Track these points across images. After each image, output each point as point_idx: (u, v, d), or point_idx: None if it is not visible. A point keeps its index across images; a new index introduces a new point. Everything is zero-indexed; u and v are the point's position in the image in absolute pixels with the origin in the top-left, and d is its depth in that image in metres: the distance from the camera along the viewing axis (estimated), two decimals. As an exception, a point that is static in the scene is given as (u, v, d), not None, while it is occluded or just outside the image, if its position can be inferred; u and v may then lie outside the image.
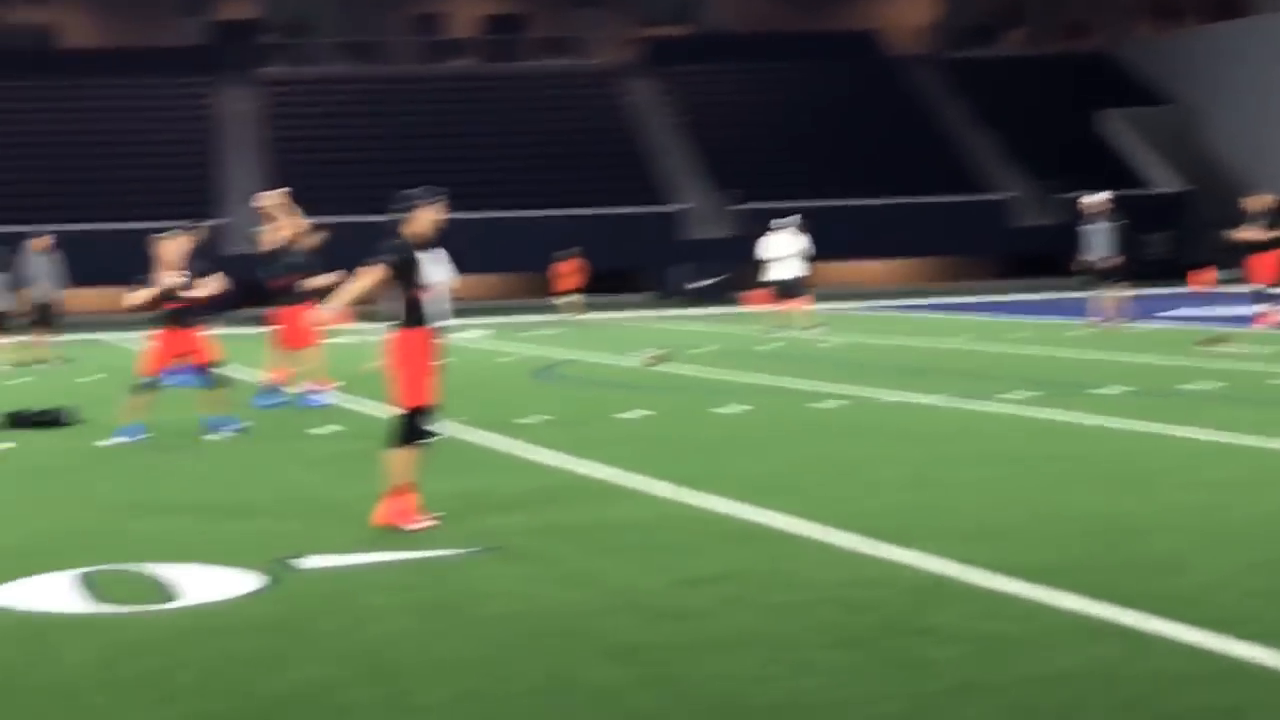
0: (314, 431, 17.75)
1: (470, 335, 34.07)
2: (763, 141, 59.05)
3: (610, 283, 53.80)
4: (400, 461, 11.55)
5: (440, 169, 55.43)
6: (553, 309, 43.42)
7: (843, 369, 23.89)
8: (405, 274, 11.56)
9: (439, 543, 10.79)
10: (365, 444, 16.57)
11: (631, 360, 26.39)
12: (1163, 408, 17.55)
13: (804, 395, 20.10)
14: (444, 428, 16.72)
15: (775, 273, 34.11)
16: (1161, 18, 66.11)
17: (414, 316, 11.58)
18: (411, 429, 11.59)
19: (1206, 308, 37.30)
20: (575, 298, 43.26)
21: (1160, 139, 58.74)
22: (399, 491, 11.51)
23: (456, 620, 8.63)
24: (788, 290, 33.86)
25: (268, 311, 21.73)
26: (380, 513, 11.49)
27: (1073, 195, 55.21)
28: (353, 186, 54.39)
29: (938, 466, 13.70)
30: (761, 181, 56.24)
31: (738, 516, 11.56)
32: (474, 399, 20.60)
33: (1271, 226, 30.07)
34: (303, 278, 20.99)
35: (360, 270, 11.63)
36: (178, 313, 17.87)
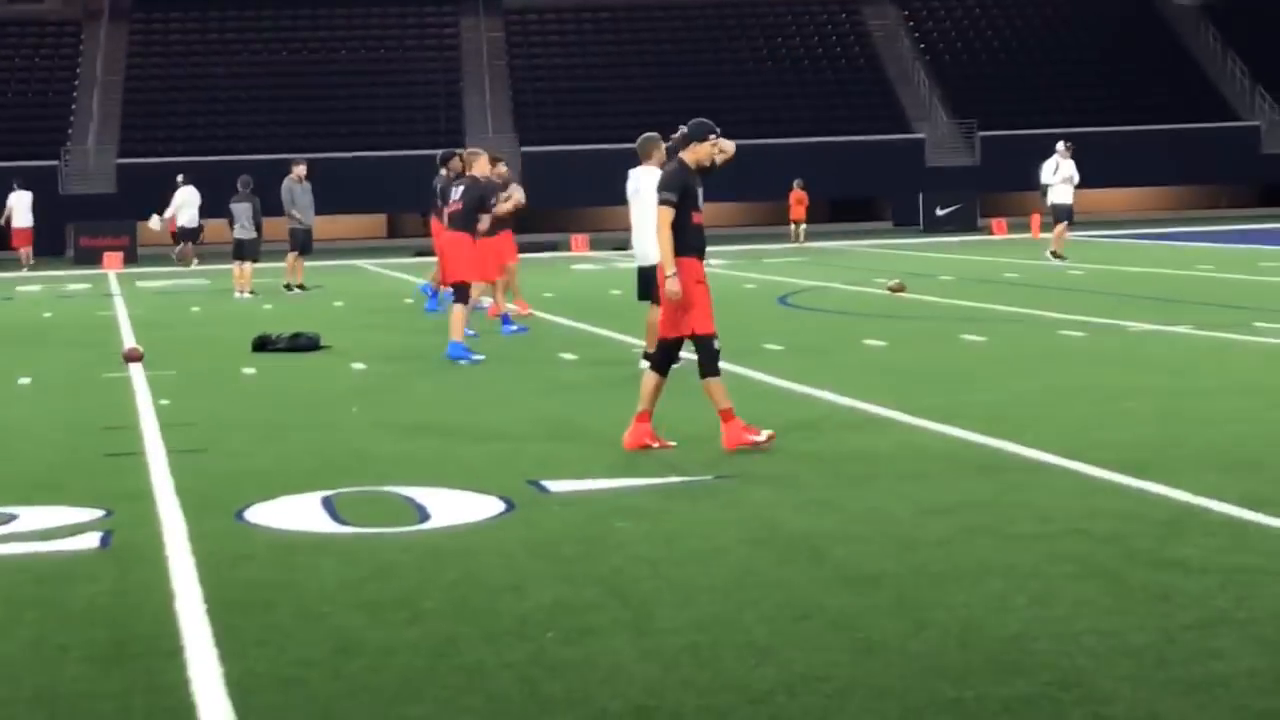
0: (559, 356, 17.93)
1: (714, 264, 34.15)
2: (1005, 68, 58.23)
3: (853, 210, 53.53)
4: (716, 389, 11.61)
5: (681, 97, 55.50)
6: (786, 237, 43.31)
7: (1089, 298, 23.55)
8: (684, 203, 11.65)
9: (682, 469, 10.86)
10: (607, 370, 16.75)
11: (874, 288, 26.25)
12: None
13: (1049, 324, 19.86)
14: (686, 354, 16.86)
15: (1053, 197, 33.89)
16: None
17: (691, 244, 11.64)
18: (711, 354, 11.64)
19: None
20: (799, 227, 43.15)
21: None
22: (727, 417, 11.57)
23: (699, 545, 8.69)
24: (1062, 214, 33.62)
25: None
26: (728, 438, 11.55)
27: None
28: (595, 115, 54.67)
29: (1186, 398, 13.47)
30: (1004, 109, 55.49)
31: (980, 445, 11.49)
32: (721, 326, 20.62)
33: None
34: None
35: (659, 219, 11.59)
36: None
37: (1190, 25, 60.50)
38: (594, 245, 44.41)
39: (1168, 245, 37.70)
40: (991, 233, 46.71)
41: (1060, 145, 34.10)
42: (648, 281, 16.74)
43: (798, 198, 43.73)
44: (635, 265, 16.95)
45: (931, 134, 55.40)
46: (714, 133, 11.88)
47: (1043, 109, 55.22)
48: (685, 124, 12.01)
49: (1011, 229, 46.19)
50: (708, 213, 12.32)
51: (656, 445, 11.64)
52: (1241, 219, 47.76)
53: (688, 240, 11.64)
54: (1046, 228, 44.80)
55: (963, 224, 49.18)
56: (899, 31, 60.66)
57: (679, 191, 11.62)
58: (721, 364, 11.71)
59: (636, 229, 16.74)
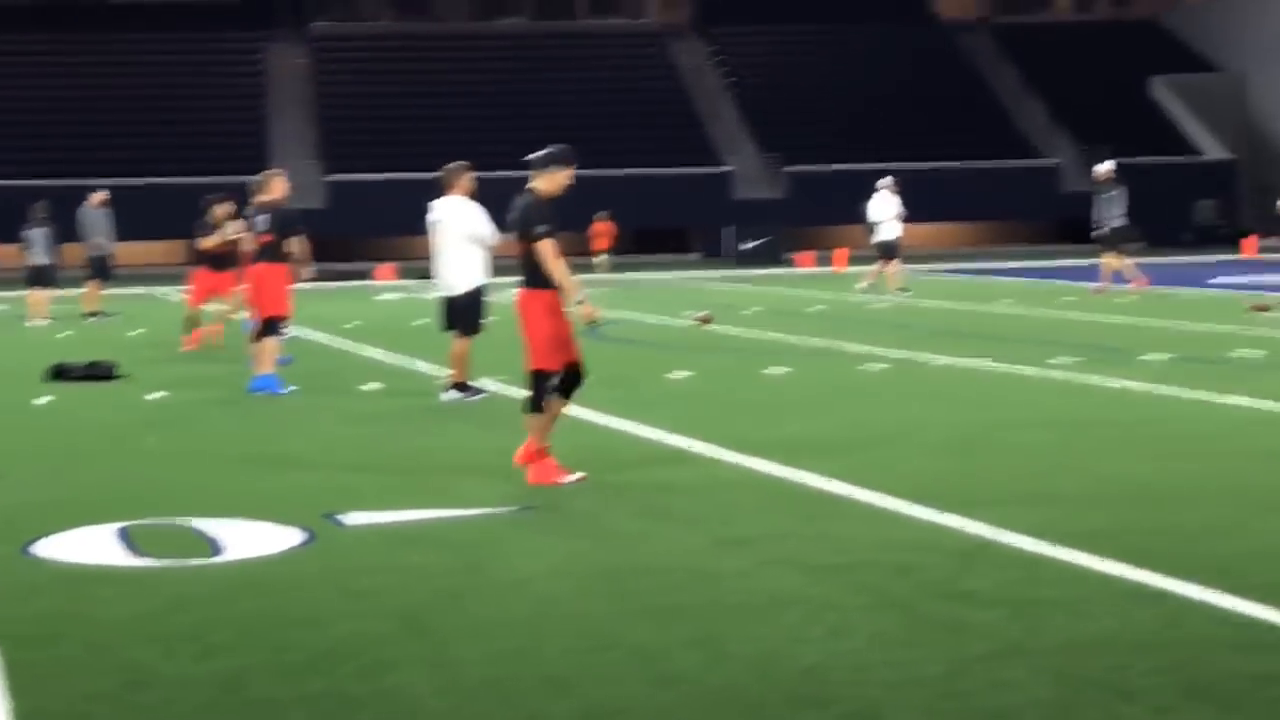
0: (360, 388, 17.79)
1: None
2: (811, 104, 58.87)
3: (661, 242, 53.80)
4: (534, 424, 11.52)
5: (488, 128, 55.49)
6: (589, 269, 43.39)
7: (890, 331, 23.83)
8: (553, 233, 11.55)
9: (482, 501, 10.81)
10: (410, 401, 16.65)
11: (679, 320, 26.37)
12: (1210, 374, 17.45)
13: (851, 357, 20.07)
14: (490, 386, 16.81)
15: (881, 234, 33.89)
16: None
17: (541, 276, 11.53)
18: (543, 391, 11.56)
19: (1255, 274, 37.10)
20: (604, 258, 43.29)
21: (1209, 106, 58.37)
22: (541, 455, 11.49)
23: (499, 577, 8.65)
24: (890, 250, 33.71)
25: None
26: (535, 474, 11.46)
27: (1125, 161, 55.20)
28: (402, 144, 54.47)
29: (983, 431, 13.67)
30: (809, 144, 56.09)
31: (781, 478, 11.56)
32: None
33: None
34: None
35: (546, 252, 11.44)
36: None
37: (992, 64, 61.56)
38: (400, 274, 44.17)
39: (969, 280, 38.29)
40: (796, 266, 47.15)
41: (887, 181, 34.30)
42: (452, 312, 16.69)
43: (601, 229, 43.90)
44: (440, 295, 16.88)
45: (739, 167, 55.83)
46: (575, 162, 11.77)
47: (848, 144, 55.89)
48: (545, 150, 11.83)
49: (817, 263, 46.66)
50: (511, 245, 12.25)
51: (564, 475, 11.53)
52: (1041, 255, 48.62)
53: (546, 272, 11.52)
54: (855, 261, 45.34)
55: (769, 257, 49.61)
56: (707, 66, 61.10)
57: (549, 221, 11.54)
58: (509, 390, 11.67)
59: (440, 259, 16.69)
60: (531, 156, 11.81)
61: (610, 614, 7.87)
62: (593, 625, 7.66)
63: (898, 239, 33.73)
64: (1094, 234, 32.14)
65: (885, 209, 33.81)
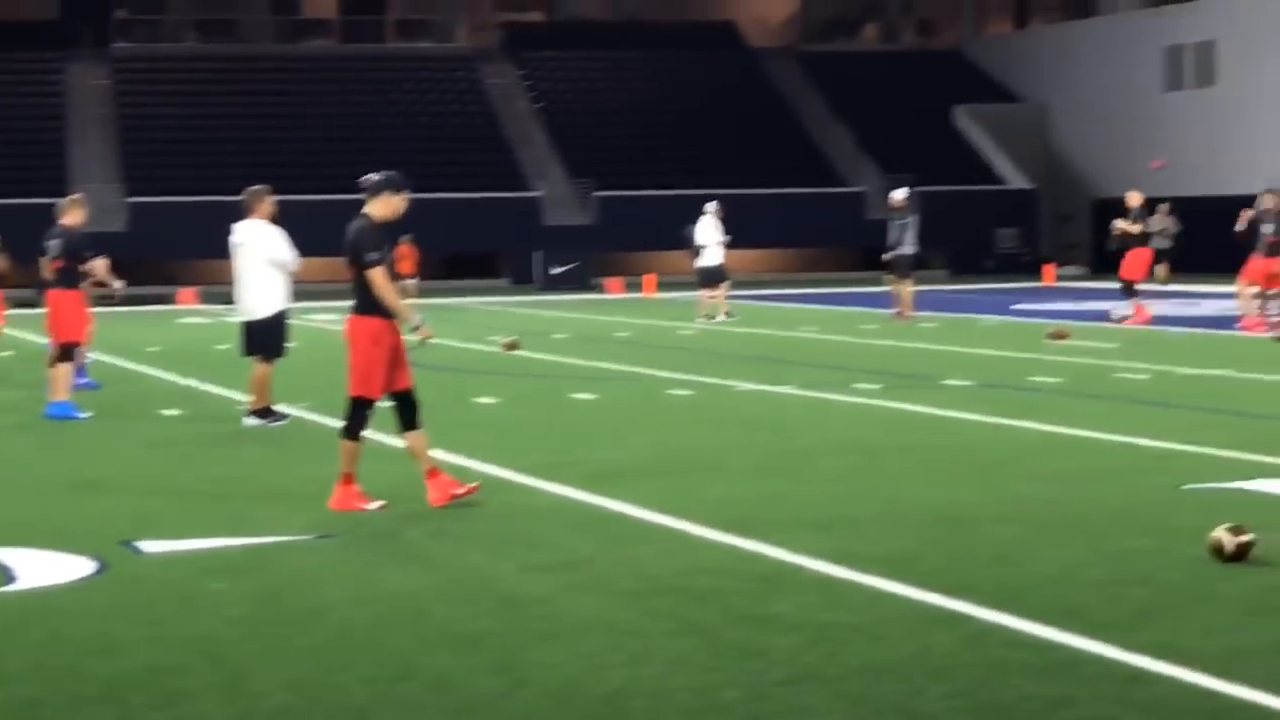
0: (160, 413, 17.54)
1: (325, 318, 33.84)
2: (621, 130, 59.06)
3: (469, 267, 53.67)
4: (348, 452, 11.42)
5: (293, 151, 55.05)
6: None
7: (696, 357, 23.95)
8: (383, 259, 11.48)
9: (282, 528, 10.69)
10: (210, 426, 16.45)
11: (487, 345, 26.32)
12: (1008, 400, 17.74)
13: (658, 382, 20.13)
14: (293, 411, 16.64)
15: (705, 259, 33.70)
16: (1014, 16, 66.78)
17: (370, 302, 11.43)
18: (360, 419, 11.46)
19: (1055, 302, 37.78)
20: (408, 283, 43.08)
21: (1011, 136, 59.38)
22: (346, 480, 11.40)
23: (296, 606, 8.56)
24: (714, 275, 33.58)
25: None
26: (337, 498, 11.38)
27: (929, 190, 55.97)
28: (205, 166, 53.84)
29: (785, 456, 13.78)
30: (619, 170, 56.26)
31: (586, 504, 11.56)
32: (329, 382, 20.46)
33: (1138, 221, 30.18)
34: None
35: (376, 280, 11.36)
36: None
37: (799, 92, 62.16)
38: (203, 298, 43.64)
39: (775, 306, 38.61)
40: (606, 292, 47.26)
41: (712, 206, 34.30)
42: (252, 336, 16.52)
43: (404, 253, 43.70)
44: (241, 320, 16.70)
45: (548, 192, 55.85)
46: (407, 187, 11.66)
47: (657, 170, 56.10)
48: (375, 175, 11.74)
49: (626, 288, 46.80)
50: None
51: (462, 492, 11.41)
52: (845, 282, 49.16)
53: (375, 299, 11.43)
54: (663, 287, 45.50)
55: (578, 283, 49.66)
56: (516, 90, 61.10)
57: (380, 248, 11.46)
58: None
59: (241, 283, 16.51)
60: (364, 181, 11.72)
61: (410, 642, 7.82)
62: (392, 653, 7.61)
63: (721, 264, 33.76)
64: (886, 259, 32.46)
65: (710, 234, 33.83)
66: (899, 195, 32.74)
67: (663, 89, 61.31)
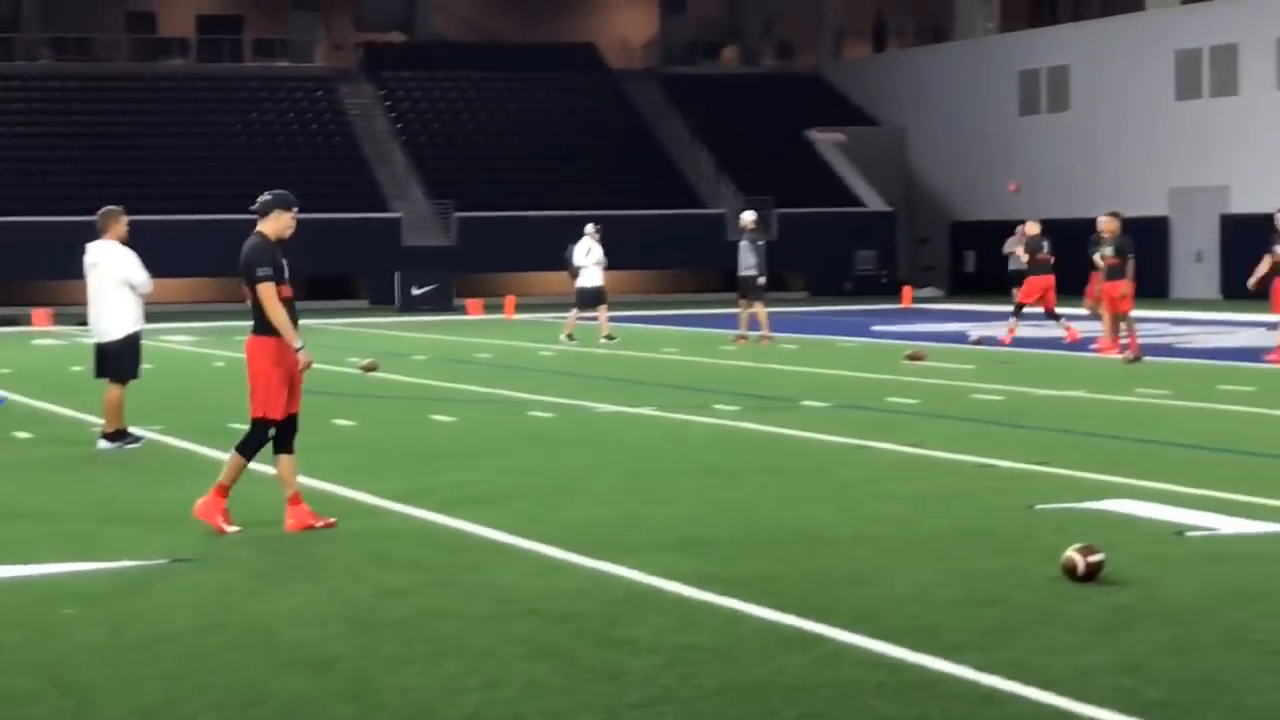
0: (12, 435, 17.28)
1: (179, 339, 33.51)
2: (482, 151, 58.97)
3: (329, 288, 53.32)
4: (234, 464, 11.39)
5: (149, 170, 54.50)
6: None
7: (557, 379, 23.93)
8: (277, 276, 11.40)
9: (134, 552, 10.56)
10: (63, 449, 16.22)
11: (345, 367, 26.15)
12: (865, 421, 17.86)
13: (519, 404, 20.10)
14: (146, 434, 16.45)
15: (583, 280, 33.44)
16: (872, 40, 67.38)
17: (266, 321, 11.37)
18: (259, 439, 11.41)
19: (913, 324, 38.11)
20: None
21: (870, 158, 59.89)
22: (221, 492, 11.38)
23: (148, 631, 8.45)
24: (592, 297, 33.36)
25: None
26: (204, 507, 11.35)
27: (788, 211, 56.33)
28: (59, 186, 53.17)
29: (644, 478, 13.79)
30: (479, 191, 56.17)
31: (444, 527, 11.51)
32: (186, 405, 20.31)
33: (1032, 250, 30.16)
34: None
35: (264, 297, 11.30)
36: None
37: (660, 114, 62.34)
38: (56, 320, 43.07)
39: (636, 328, 38.64)
40: (467, 313, 47.13)
41: (590, 228, 34.20)
42: (105, 358, 16.32)
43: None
44: (94, 341, 16.50)
45: (408, 213, 55.62)
46: (296, 204, 11.62)
47: (519, 192, 56.04)
48: (265, 195, 11.68)
49: (486, 310, 46.69)
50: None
51: (320, 524, 11.34)
52: (705, 303, 49.32)
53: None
54: (524, 309, 45.46)
55: (439, 304, 49.48)
56: (376, 110, 60.84)
57: (274, 265, 11.37)
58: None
59: (94, 304, 16.31)
60: (256, 204, 11.63)
61: (262, 667, 7.74)
62: (244, 678, 7.53)
63: (600, 286, 33.59)
64: (740, 280, 32.49)
65: (589, 255, 33.70)
66: (748, 217, 32.86)
67: (523, 110, 61.30)
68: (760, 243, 32.52)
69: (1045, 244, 29.78)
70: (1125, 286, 25.99)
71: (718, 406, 19.38)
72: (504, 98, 61.83)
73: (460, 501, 12.46)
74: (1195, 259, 50.04)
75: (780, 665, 7.64)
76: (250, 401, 11.49)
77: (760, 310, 31.77)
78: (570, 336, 32.75)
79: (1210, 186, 49.13)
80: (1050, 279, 29.54)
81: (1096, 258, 27.55)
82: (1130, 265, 26.11)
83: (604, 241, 34.10)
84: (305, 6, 65.19)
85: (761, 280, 31.89)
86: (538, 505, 12.38)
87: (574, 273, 33.66)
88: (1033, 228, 30.74)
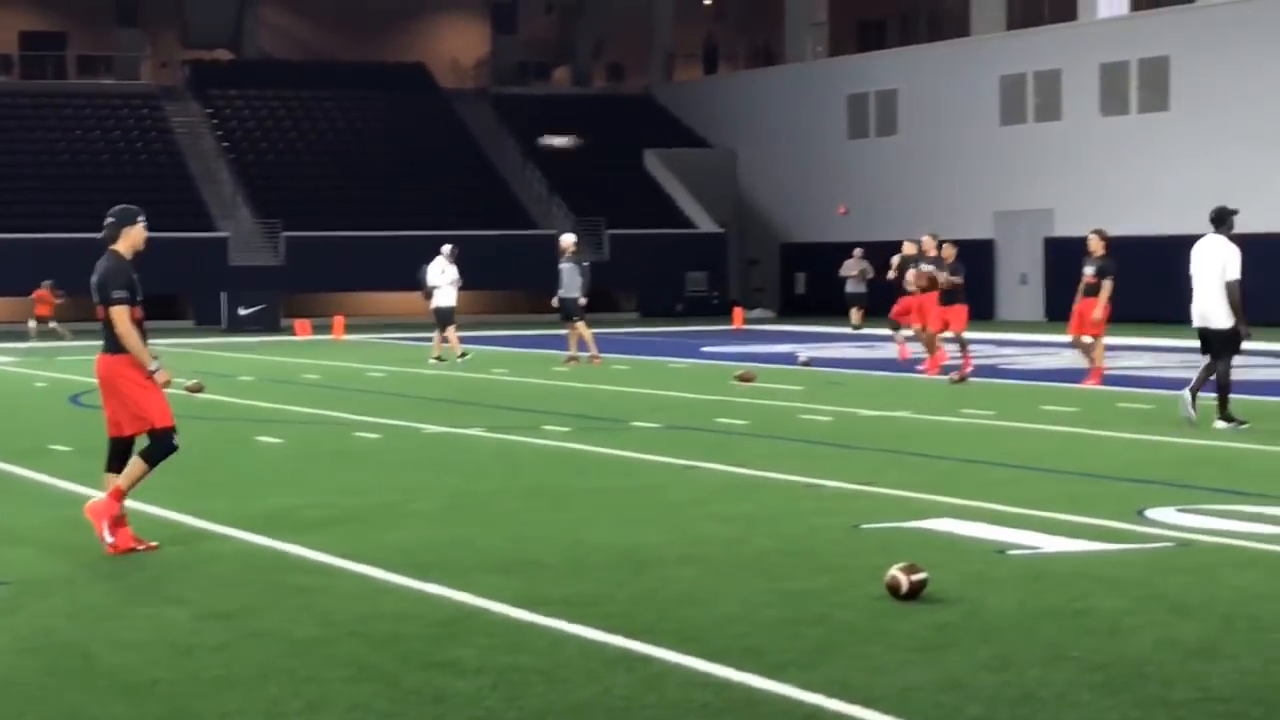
0: None
1: (1, 360, 32.97)
2: (310, 170, 58.55)
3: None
4: (135, 468, 11.32)
5: (-27, 188, 53.59)
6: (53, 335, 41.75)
7: (385, 400, 23.80)
8: (132, 297, 11.31)
9: (-51, 577, 10.34)
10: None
11: (170, 388, 25.78)
12: (695, 442, 17.93)
13: (346, 425, 19.96)
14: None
15: (438, 300, 33.13)
16: (703, 62, 67.78)
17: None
18: (165, 449, 11.37)
19: (743, 345, 38.32)
20: (52, 324, 42.12)
21: (701, 180, 60.21)
22: (116, 499, 11.25)
23: (-39, 658, 8.28)
24: (446, 317, 33.07)
25: None
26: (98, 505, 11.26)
27: (620, 233, 56.47)
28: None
29: (472, 499, 13.74)
30: (309, 210, 55.77)
31: (267, 549, 11.39)
32: (8, 427, 20.00)
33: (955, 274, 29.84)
34: None
35: (117, 319, 11.21)
36: None
37: (492, 134, 62.25)
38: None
39: (467, 349, 38.47)
40: (295, 334, 46.78)
41: (446, 248, 33.93)
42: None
43: (42, 295, 42.90)
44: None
45: (235, 232, 55.12)
46: (140, 214, 11.54)
47: (348, 212, 55.73)
48: (111, 213, 11.54)
49: (315, 330, 46.36)
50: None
51: (142, 548, 11.21)
52: (537, 324, 49.28)
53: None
54: (352, 329, 45.16)
55: (266, 324, 49.07)
56: (203, 129, 60.23)
57: (129, 288, 11.21)
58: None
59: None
60: (105, 228, 11.53)
61: (80, 692, 7.61)
62: (61, 704, 7.40)
63: (451, 306, 33.30)
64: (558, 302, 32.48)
65: (442, 275, 33.44)
66: (568, 240, 32.88)
67: (353, 129, 60.98)
68: (585, 264, 32.56)
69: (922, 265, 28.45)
70: (1099, 309, 24.46)
71: (548, 427, 19.37)
72: (333, 117, 61.48)
73: (285, 524, 12.34)
74: (1020, 281, 50.81)
75: (606, 686, 7.63)
76: (122, 419, 11.32)
77: (584, 331, 31.77)
78: (439, 358, 32.47)
79: (1034, 210, 49.93)
80: (929, 297, 28.05)
81: (909, 277, 27.71)
82: (1106, 287, 24.38)
83: (458, 262, 33.89)
84: (130, 23, 64.43)
85: (583, 301, 31.91)
86: (364, 527, 12.29)
87: (428, 293, 33.48)
88: (949, 252, 27.45)
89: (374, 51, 66.63)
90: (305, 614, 9.22)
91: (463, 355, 32.47)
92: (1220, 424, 18.41)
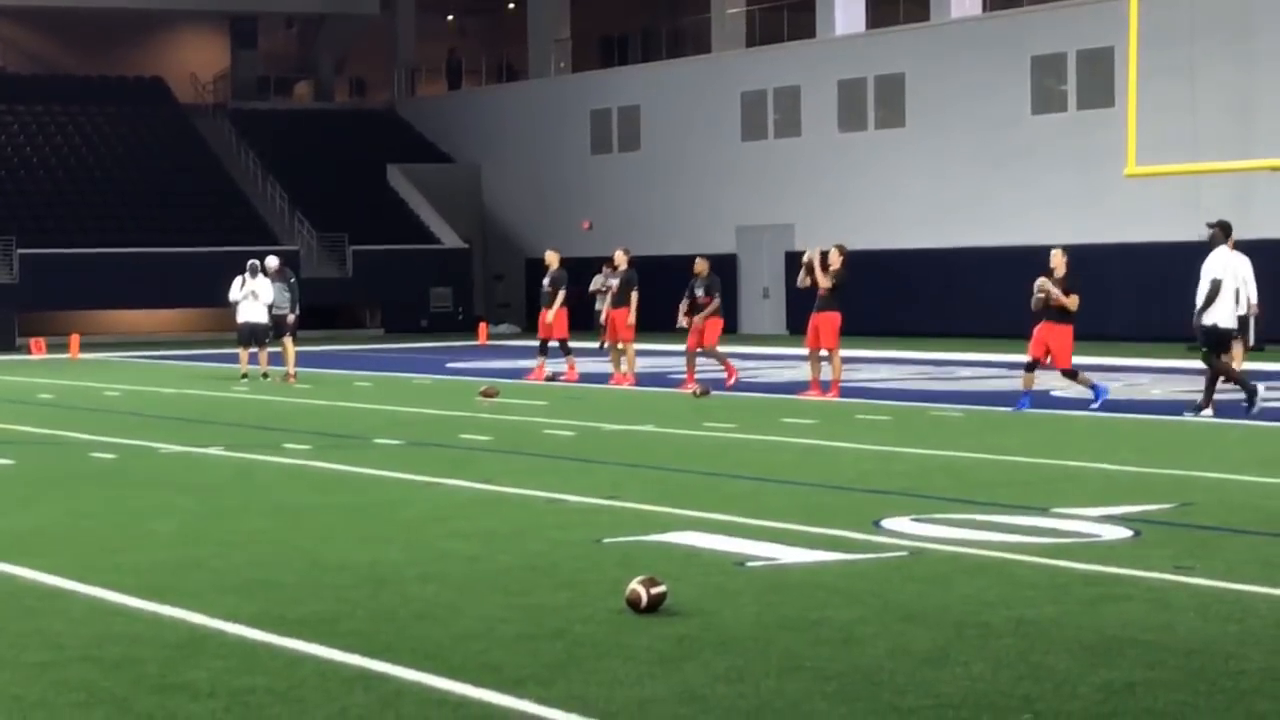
0: None
1: None
2: (45, 185, 57.30)
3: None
4: None
5: None
6: None
7: (121, 419, 23.37)
8: None
9: None
10: None
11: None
12: (437, 458, 17.87)
13: (80, 445, 19.55)
14: None
15: (242, 316, 32.28)
16: (446, 78, 67.57)
17: None
18: None
19: (488, 360, 38.28)
20: None
21: (445, 195, 60.07)
22: None
23: None
24: (248, 335, 32.25)
25: None
26: None
27: (364, 248, 56.09)
28: None
29: (209, 519, 13.53)
30: (45, 227, 54.59)
31: (-6, 573, 11.10)
32: None
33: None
34: None
35: None
36: None
37: (231, 150, 61.47)
38: None
39: (209, 366, 37.98)
40: (30, 352, 45.73)
41: (252, 263, 33.11)
42: None
43: None
44: None
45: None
46: None
47: (87, 227, 54.67)
48: None
49: (50, 349, 45.36)
50: None
51: None
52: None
53: None
54: (88, 348, 44.25)
55: (1, 343, 47.93)
56: (-67, 143, 58.72)
57: None
58: None
59: None
60: None
61: None
62: None
63: (261, 323, 32.46)
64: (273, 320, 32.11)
65: (243, 289, 32.60)
66: (272, 263, 32.45)
67: (88, 144, 59.83)
68: (292, 281, 32.50)
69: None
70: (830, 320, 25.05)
71: (288, 445, 19.16)
72: (68, 131, 60.26)
73: (13, 546, 12.04)
74: (762, 295, 51.42)
75: (343, 705, 7.55)
76: None
77: (290, 348, 31.48)
78: (264, 375, 31.72)
79: (775, 224, 50.56)
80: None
81: (699, 293, 27.31)
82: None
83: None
84: None
85: (291, 318, 31.80)
86: (96, 549, 12.03)
87: (235, 308, 32.74)
88: (835, 258, 25.91)
89: (110, 65, 65.44)
90: (34, 638, 9.00)
91: (264, 375, 31.78)
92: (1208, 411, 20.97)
